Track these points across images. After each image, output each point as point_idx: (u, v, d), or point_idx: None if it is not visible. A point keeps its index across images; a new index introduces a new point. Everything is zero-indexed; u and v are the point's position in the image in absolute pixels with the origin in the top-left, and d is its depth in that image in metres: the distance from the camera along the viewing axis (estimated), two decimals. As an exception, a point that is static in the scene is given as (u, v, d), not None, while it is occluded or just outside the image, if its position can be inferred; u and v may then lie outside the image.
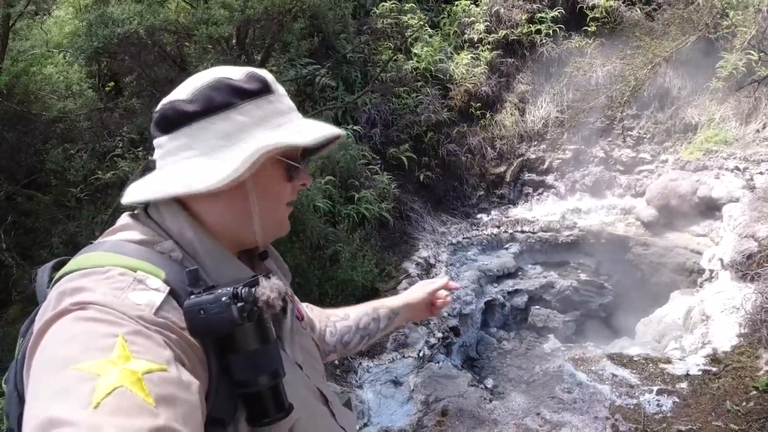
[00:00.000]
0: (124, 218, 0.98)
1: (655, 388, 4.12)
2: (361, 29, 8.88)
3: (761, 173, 6.03)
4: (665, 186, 6.57)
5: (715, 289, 5.16)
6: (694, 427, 3.67)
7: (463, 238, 7.49)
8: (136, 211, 0.99)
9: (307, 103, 7.84)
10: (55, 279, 0.85)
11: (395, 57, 8.44)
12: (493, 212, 7.83)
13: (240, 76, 0.96)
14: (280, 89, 1.01)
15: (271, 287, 0.85)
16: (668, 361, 4.41)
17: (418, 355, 5.30)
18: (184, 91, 0.95)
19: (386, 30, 8.76)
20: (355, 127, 7.50)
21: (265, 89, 0.97)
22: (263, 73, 1.00)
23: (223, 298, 0.79)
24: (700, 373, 4.19)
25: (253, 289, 0.83)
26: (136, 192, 0.95)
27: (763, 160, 6.13)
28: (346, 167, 7.06)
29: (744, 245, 5.07)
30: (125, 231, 0.94)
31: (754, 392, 3.82)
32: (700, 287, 5.60)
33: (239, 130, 0.92)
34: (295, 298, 1.31)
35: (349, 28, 8.77)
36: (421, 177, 7.91)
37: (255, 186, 0.95)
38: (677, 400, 3.98)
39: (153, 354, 0.72)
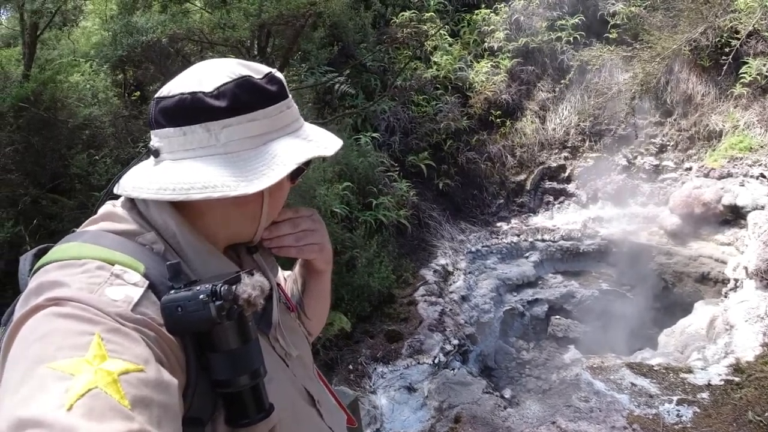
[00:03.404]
0: (107, 207, 0.95)
1: (675, 398, 4.00)
2: (381, 38, 8.93)
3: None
4: (689, 194, 6.43)
5: (740, 298, 5.02)
6: (715, 438, 3.55)
7: (483, 246, 7.42)
8: (119, 200, 0.96)
9: (326, 110, 7.90)
10: (35, 268, 0.83)
11: (415, 66, 8.48)
12: (513, 220, 7.75)
13: (260, 77, 0.94)
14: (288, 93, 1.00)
15: (253, 285, 0.82)
16: (689, 371, 4.28)
17: (434, 361, 5.25)
18: (206, 83, 0.90)
19: (406, 39, 8.80)
20: (374, 135, 7.53)
21: (282, 93, 0.96)
22: (278, 75, 0.98)
23: (201, 296, 0.76)
24: (722, 383, 4.06)
25: (234, 287, 0.80)
26: (147, 184, 0.89)
27: (789, 168, 5.97)
28: (364, 174, 7.07)
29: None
30: (107, 221, 0.91)
31: (779, 403, 3.68)
32: (725, 297, 5.43)
33: (263, 134, 0.91)
34: (287, 288, 1.30)
35: (369, 37, 8.84)
36: (440, 185, 7.88)
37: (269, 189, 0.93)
38: (698, 410, 3.85)
39: (130, 353, 0.70)
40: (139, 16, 6.59)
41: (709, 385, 4.06)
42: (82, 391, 0.62)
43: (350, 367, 5.50)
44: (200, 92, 0.89)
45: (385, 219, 6.91)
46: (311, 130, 1.01)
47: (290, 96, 0.98)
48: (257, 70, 0.94)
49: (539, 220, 7.65)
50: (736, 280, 5.37)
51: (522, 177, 7.99)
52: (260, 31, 4.57)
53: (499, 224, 7.74)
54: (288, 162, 0.88)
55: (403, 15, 8.75)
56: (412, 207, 7.32)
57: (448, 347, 5.44)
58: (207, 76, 0.91)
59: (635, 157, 7.47)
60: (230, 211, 0.94)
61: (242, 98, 0.89)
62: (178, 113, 0.89)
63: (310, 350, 1.22)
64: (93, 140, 6.87)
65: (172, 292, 0.79)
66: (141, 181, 0.91)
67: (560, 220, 7.51)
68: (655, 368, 4.43)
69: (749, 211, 5.82)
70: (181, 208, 0.92)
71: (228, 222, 0.95)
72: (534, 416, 4.19)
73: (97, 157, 6.58)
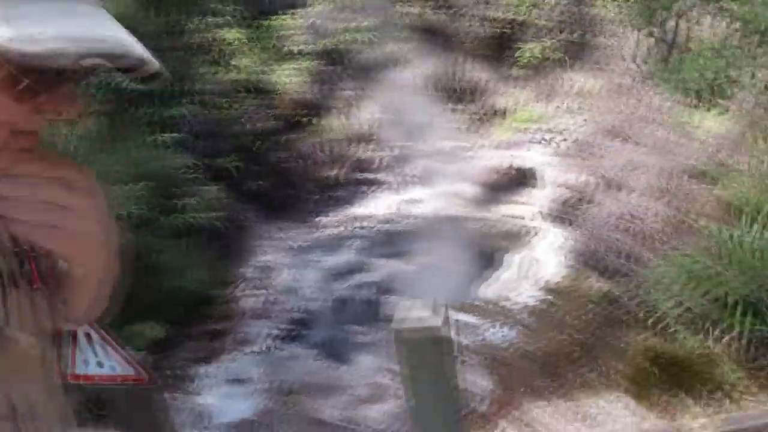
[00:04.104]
0: None
1: (498, 323, 4.12)
2: (175, 46, 8.52)
3: (565, 140, 6.62)
4: (485, 166, 6.97)
5: (541, 239, 5.44)
6: (541, 345, 3.68)
7: (304, 242, 7.27)
8: None
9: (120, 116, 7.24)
10: None
11: (214, 70, 8.22)
12: (331, 214, 7.70)
13: None
14: None
15: None
16: (507, 300, 4.47)
17: (261, 348, 4.88)
18: None
19: (203, 44, 8.51)
20: (173, 135, 7.05)
21: None
22: None
23: None
24: (539, 303, 4.30)
25: None
26: None
27: (564, 129, 6.75)
28: (165, 175, 6.53)
29: (558, 194, 5.45)
30: None
31: (591, 305, 3.95)
32: (529, 242, 5.87)
33: None
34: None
35: (164, 43, 8.40)
36: (254, 186, 7.60)
37: None
38: (521, 328, 4.01)
39: None
40: None
41: (527, 307, 4.26)
42: None
43: (168, 372, 4.89)
44: None
45: (194, 221, 6.43)
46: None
47: None
48: None
49: (356, 209, 7.69)
50: (535, 227, 5.85)
51: (335, 171, 8.02)
52: None
53: (318, 219, 7.64)
54: None
55: (197, 20, 8.46)
56: (225, 209, 6.92)
57: (276, 332, 5.11)
58: None
59: (436, 143, 7.91)
60: None
61: None
62: None
63: (50, 340, 0.82)
64: None
65: None
66: None
67: (376, 208, 7.63)
68: (476, 304, 4.57)
69: (538, 170, 6.43)
70: None
71: None
72: (368, 369, 4.04)
73: None
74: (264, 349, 4.84)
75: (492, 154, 7.07)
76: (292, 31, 8.66)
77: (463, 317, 4.33)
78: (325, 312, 6.26)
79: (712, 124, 4.55)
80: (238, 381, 4.57)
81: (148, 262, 5.62)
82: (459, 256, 6.78)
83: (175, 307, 5.51)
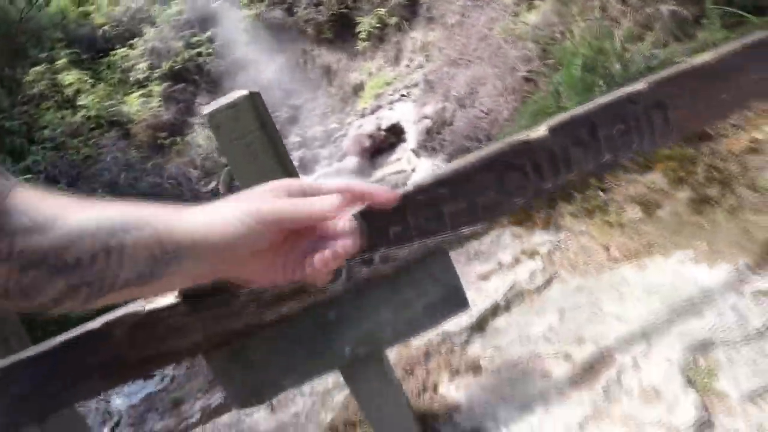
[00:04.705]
0: None
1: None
2: (15, 101, 8.06)
3: (417, 87, 6.90)
4: (355, 135, 7.09)
5: (418, 171, 5.60)
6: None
7: (196, 258, 7.00)
8: None
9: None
10: None
11: (61, 115, 7.84)
12: (218, 226, 7.50)
13: None
14: None
15: None
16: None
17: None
18: None
19: (44, 92, 8.11)
20: (27, 177, 6.61)
21: None
22: None
23: None
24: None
25: None
26: None
27: (416, 84, 7.04)
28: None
29: (421, 126, 5.65)
30: None
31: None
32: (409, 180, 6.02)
33: None
34: None
35: (2, 102, 7.92)
36: (129, 217, 7.23)
37: None
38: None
39: None
40: None
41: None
42: None
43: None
44: None
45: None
46: None
47: None
48: None
49: (243, 213, 7.54)
50: (413, 167, 6.01)
51: (213, 184, 7.83)
52: None
53: (206, 234, 7.40)
54: None
55: (34, 70, 8.09)
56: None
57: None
58: None
59: (305, 131, 7.97)
60: None
61: None
62: None
63: None
64: None
65: None
66: None
67: (262, 206, 7.52)
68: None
69: (402, 121, 6.64)
70: None
71: None
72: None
73: None
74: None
75: (359, 122, 7.22)
76: (134, 61, 8.46)
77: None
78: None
79: (532, 17, 4.93)
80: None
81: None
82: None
83: (61, 329, 5.12)
